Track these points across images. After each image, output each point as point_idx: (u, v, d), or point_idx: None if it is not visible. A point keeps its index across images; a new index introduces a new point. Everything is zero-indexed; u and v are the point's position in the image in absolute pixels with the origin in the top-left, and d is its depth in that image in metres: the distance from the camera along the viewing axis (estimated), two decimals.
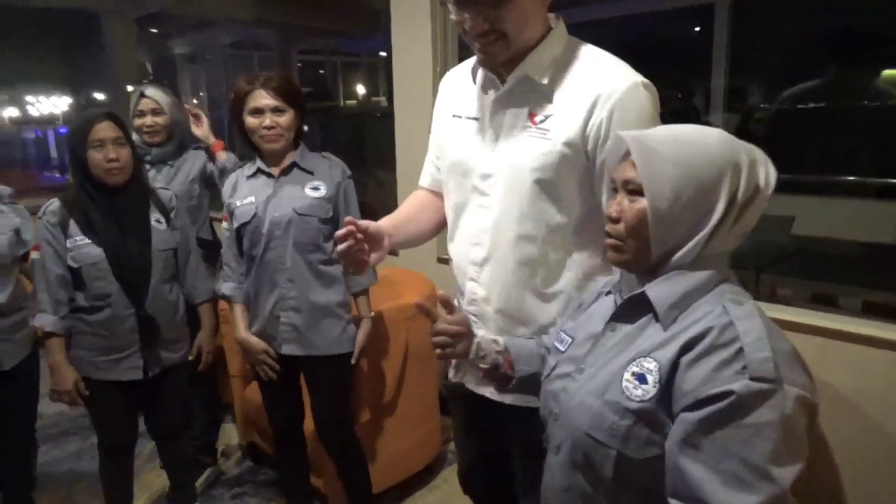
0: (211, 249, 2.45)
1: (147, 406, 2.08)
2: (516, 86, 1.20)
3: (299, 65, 11.49)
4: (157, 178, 2.38)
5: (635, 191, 0.91)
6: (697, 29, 5.07)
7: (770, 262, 2.77)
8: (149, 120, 2.36)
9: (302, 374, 2.03)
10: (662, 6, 5.11)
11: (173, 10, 4.87)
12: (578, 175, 1.18)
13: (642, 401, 0.87)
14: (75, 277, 1.86)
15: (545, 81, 1.18)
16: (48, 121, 14.28)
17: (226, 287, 1.99)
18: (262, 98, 1.82)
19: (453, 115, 1.34)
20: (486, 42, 1.14)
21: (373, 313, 2.03)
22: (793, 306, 1.99)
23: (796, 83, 3.67)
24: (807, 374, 0.86)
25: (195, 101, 10.59)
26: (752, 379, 0.79)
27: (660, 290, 0.91)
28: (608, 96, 1.13)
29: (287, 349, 1.95)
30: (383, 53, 12.04)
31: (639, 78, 1.16)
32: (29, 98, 14.89)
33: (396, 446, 2.39)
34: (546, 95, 1.19)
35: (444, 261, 2.66)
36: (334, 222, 1.91)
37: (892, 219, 3.32)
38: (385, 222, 1.31)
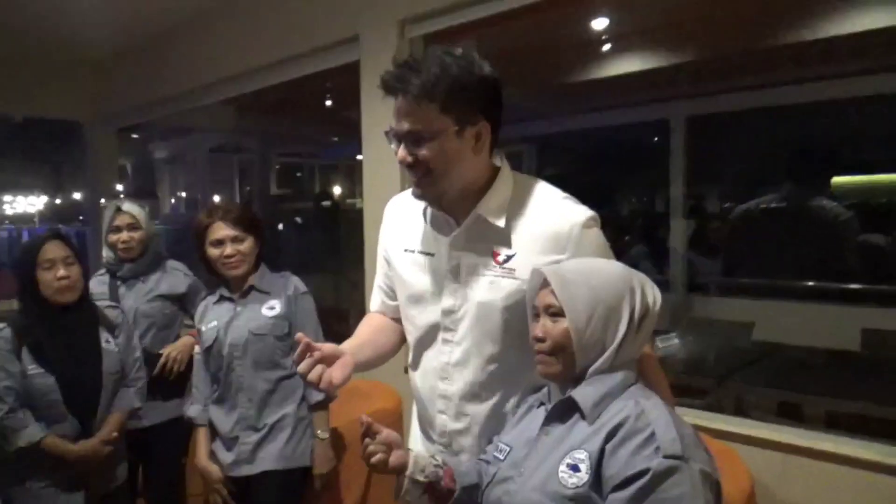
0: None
1: None
2: (473, 226, 1.26)
3: (278, 167, 11.80)
4: (128, 295, 2.36)
5: (556, 313, 1.09)
6: (657, 139, 5.36)
7: (733, 370, 2.81)
8: (125, 235, 2.34)
9: (254, 492, 1.99)
10: (626, 120, 5.41)
11: (156, 120, 5.02)
12: None
13: (577, 487, 1.00)
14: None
15: (501, 224, 1.24)
16: (22, 220, 14.31)
17: (192, 409, 2.03)
18: (221, 230, 1.94)
19: (405, 250, 1.37)
20: (414, 175, 1.21)
21: (326, 434, 2.01)
22: (754, 418, 2.02)
23: (753, 191, 3.86)
24: (708, 454, 1.03)
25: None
26: (665, 457, 0.95)
27: (584, 393, 1.07)
28: (567, 237, 1.21)
29: (244, 470, 1.95)
30: (360, 157, 12.44)
31: (588, 213, 1.24)
32: (6, 197, 14.99)
33: None
34: (504, 236, 1.25)
35: None
36: (291, 338, 1.96)
37: (852, 325, 3.41)
38: (345, 345, 1.32)
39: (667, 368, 2.81)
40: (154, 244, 2.44)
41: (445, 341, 1.31)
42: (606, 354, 1.07)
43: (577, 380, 1.10)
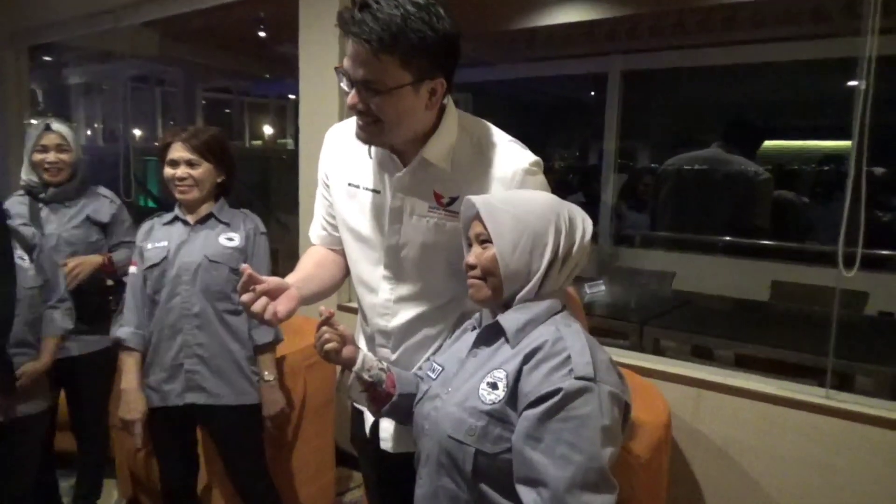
0: (104, 294, 2.32)
1: None
2: (418, 168, 1.25)
3: (204, 102, 11.28)
4: (51, 219, 2.23)
5: (486, 240, 1.13)
6: (592, 93, 5.43)
7: (653, 315, 2.95)
8: (52, 156, 2.20)
9: (205, 427, 1.96)
10: (563, 71, 5.45)
11: (72, 41, 4.68)
12: None
13: (494, 403, 1.06)
14: None
15: (447, 167, 1.24)
16: None
17: (122, 331, 1.92)
18: (177, 151, 1.88)
19: (349, 184, 1.35)
20: (363, 121, 1.19)
21: (272, 377, 1.97)
22: (672, 358, 2.14)
23: (680, 149, 3.99)
24: (620, 378, 1.09)
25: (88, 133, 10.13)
26: (577, 378, 1.00)
27: (509, 318, 1.13)
28: (510, 182, 1.22)
29: (190, 398, 1.90)
30: (292, 96, 12.03)
31: (532, 158, 1.25)
32: None
33: (289, 500, 2.32)
34: (449, 179, 1.25)
35: (346, 308, 2.66)
36: None
37: (763, 278, 3.63)
38: (289, 279, 1.30)
39: (593, 312, 2.95)
40: (82, 168, 2.30)
41: (387, 278, 1.32)
42: (532, 283, 1.11)
43: (506, 306, 1.15)
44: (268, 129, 12.26)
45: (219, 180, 1.95)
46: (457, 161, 1.25)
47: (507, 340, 1.11)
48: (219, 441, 1.97)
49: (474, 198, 1.14)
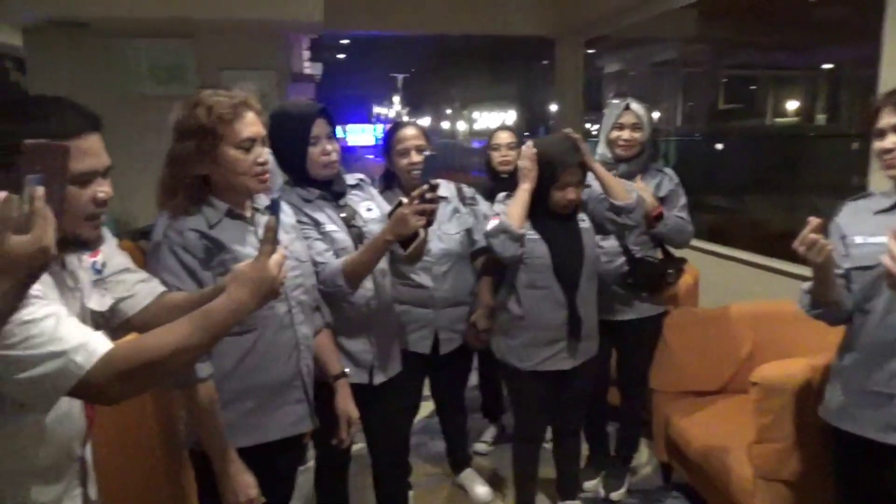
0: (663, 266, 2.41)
1: (557, 400, 2.18)
2: None
3: (725, 80, 10.97)
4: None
5: None
6: None
7: None
8: (626, 134, 2.34)
9: None
10: None
11: (618, 32, 5.05)
12: None
13: None
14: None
15: None
16: (486, 134, 16.68)
17: None
18: (888, 116, 1.49)
19: None
20: None
21: None
22: None
23: None
24: None
25: None
26: None
27: None
28: None
29: None
30: (827, 66, 10.62)
31: None
32: (474, 115, 17.61)
33: None
34: None
35: None
36: None
37: None
38: None
39: None
40: (649, 148, 2.39)
41: None
42: None
43: None
44: (792, 105, 11.22)
45: None
46: None
47: None
48: None
49: None
